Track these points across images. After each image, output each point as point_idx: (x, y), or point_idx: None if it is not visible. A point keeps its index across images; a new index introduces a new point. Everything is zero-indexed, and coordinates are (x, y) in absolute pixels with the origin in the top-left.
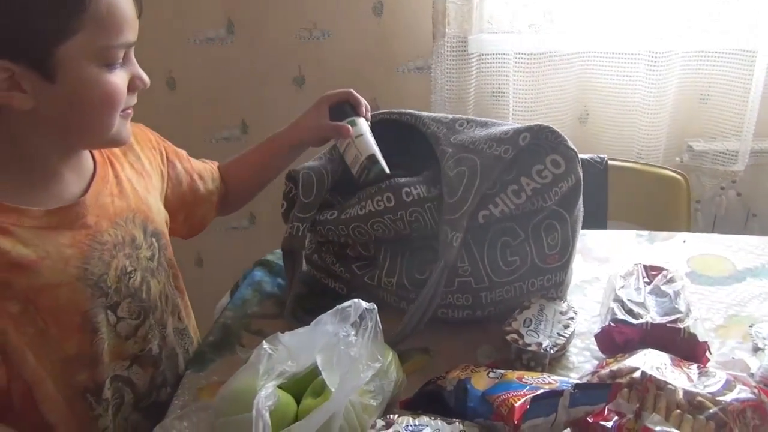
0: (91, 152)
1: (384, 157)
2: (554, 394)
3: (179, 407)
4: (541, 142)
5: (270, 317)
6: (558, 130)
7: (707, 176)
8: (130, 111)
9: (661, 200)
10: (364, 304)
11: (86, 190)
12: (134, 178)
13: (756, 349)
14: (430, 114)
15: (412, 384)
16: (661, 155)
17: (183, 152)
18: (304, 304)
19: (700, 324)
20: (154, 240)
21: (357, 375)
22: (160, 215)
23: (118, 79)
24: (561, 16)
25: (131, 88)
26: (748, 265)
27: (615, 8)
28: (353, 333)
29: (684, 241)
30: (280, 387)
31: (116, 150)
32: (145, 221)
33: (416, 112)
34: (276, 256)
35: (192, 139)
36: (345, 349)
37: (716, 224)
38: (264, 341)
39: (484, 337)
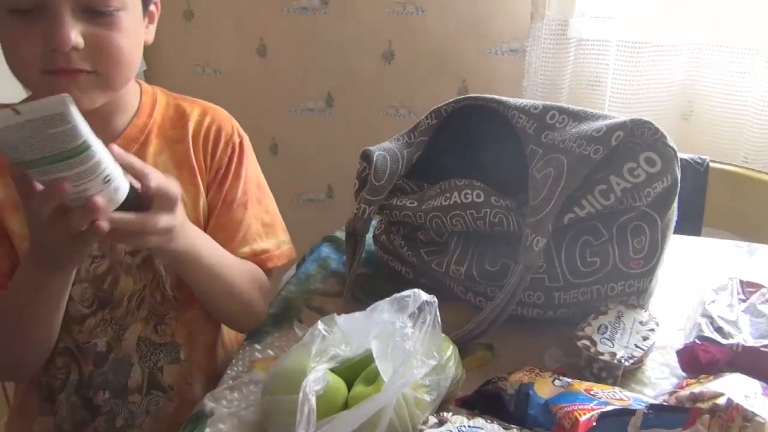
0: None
1: (462, 147)
2: (625, 413)
3: (232, 377)
4: (636, 138)
5: (332, 295)
6: (657, 125)
7: None
8: (68, 71)
9: (766, 210)
10: (424, 295)
11: None
12: (164, 164)
13: None
14: (518, 102)
15: (472, 381)
16: None
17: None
18: (368, 285)
19: None
20: None
21: (410, 370)
22: None
23: (21, 25)
24: (671, 3)
25: (51, 45)
26: None
27: None
28: (410, 324)
29: None
30: (332, 370)
31: (155, 128)
32: None
33: (504, 99)
34: (344, 233)
35: (276, 109)
36: (400, 341)
37: None
38: (319, 321)
39: (553, 340)
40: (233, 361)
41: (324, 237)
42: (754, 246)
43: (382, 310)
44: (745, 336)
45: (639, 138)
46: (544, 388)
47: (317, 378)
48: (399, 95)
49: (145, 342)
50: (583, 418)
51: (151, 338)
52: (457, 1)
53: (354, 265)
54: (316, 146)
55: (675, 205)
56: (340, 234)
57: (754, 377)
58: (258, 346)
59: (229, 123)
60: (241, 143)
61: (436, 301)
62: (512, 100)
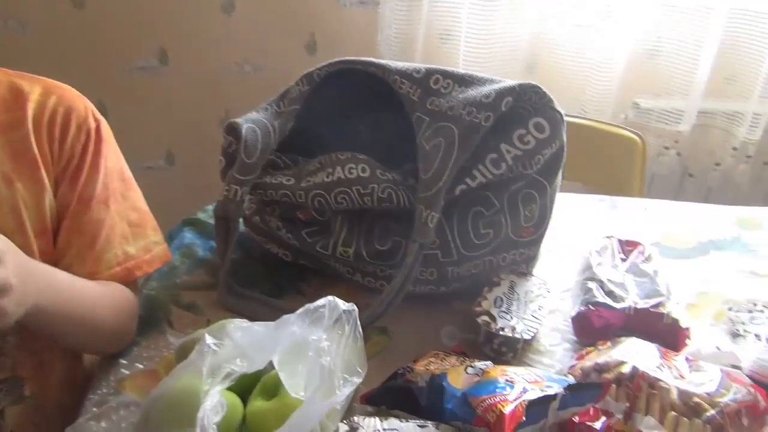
0: None
1: (338, 115)
2: (546, 399)
3: (95, 403)
4: (524, 103)
5: (203, 288)
6: (544, 89)
7: (652, 135)
8: None
9: (615, 160)
10: (341, 304)
11: None
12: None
13: (735, 335)
14: (399, 65)
15: (371, 369)
16: (610, 111)
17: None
18: (242, 273)
19: (681, 308)
20: None
21: (332, 391)
22: None
23: None
24: None
25: None
26: (711, 236)
27: None
28: (325, 337)
29: (645, 209)
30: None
31: None
32: None
33: (383, 62)
34: (208, 215)
35: (101, 68)
36: (315, 356)
37: (653, 183)
38: (206, 334)
39: (447, 316)
40: (94, 382)
41: (183, 220)
42: (615, 200)
43: (292, 323)
44: (633, 298)
45: (527, 103)
46: (458, 378)
47: (214, 405)
48: (242, 50)
49: None
50: (507, 410)
51: None
52: None
53: (228, 253)
54: (150, 108)
55: (561, 170)
56: (203, 215)
57: (645, 338)
58: (123, 361)
59: (82, 104)
60: (97, 128)
61: (356, 309)
62: (392, 64)
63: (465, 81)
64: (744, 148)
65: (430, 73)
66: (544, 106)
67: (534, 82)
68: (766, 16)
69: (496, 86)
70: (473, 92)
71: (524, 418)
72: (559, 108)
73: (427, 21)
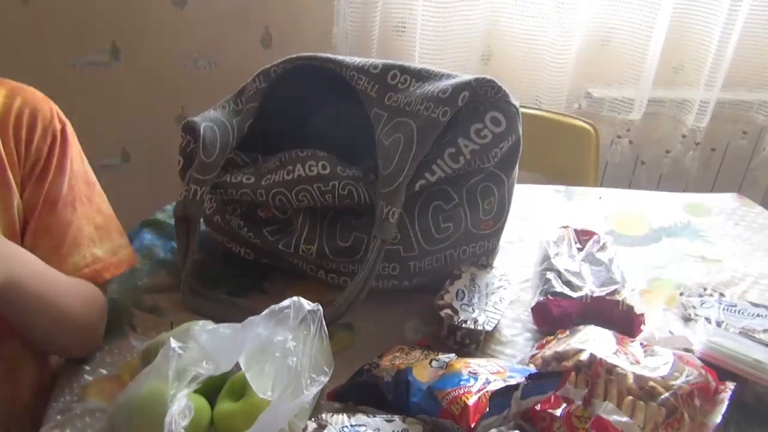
0: None
1: (310, 107)
2: (508, 390)
3: (59, 411)
4: (480, 98)
5: (165, 290)
6: (499, 83)
7: (604, 124)
8: None
9: (569, 150)
10: (306, 304)
11: None
12: None
13: (686, 319)
14: (356, 61)
15: (338, 365)
16: (563, 101)
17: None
18: (204, 273)
19: (636, 295)
20: None
21: (300, 391)
22: None
23: None
24: None
25: None
26: (662, 223)
27: None
28: (291, 338)
29: (600, 198)
30: None
31: None
32: None
33: (340, 58)
34: (167, 215)
35: (50, 63)
36: (281, 357)
37: (606, 171)
38: (171, 338)
39: (412, 311)
40: (55, 390)
41: (142, 221)
42: (571, 189)
43: (258, 324)
44: (590, 286)
45: (483, 97)
46: (423, 372)
47: (182, 409)
48: (196, 45)
49: None
50: (471, 402)
51: None
52: None
53: (189, 254)
54: (103, 105)
55: (518, 162)
56: (162, 216)
57: (603, 326)
58: (87, 367)
59: (47, 106)
60: (63, 130)
61: (321, 309)
62: (349, 60)
63: (422, 76)
64: (692, 135)
65: (387, 68)
66: (500, 100)
67: (489, 77)
68: (710, 6)
69: (452, 81)
70: (430, 87)
71: (488, 409)
72: (514, 101)
73: (383, 13)
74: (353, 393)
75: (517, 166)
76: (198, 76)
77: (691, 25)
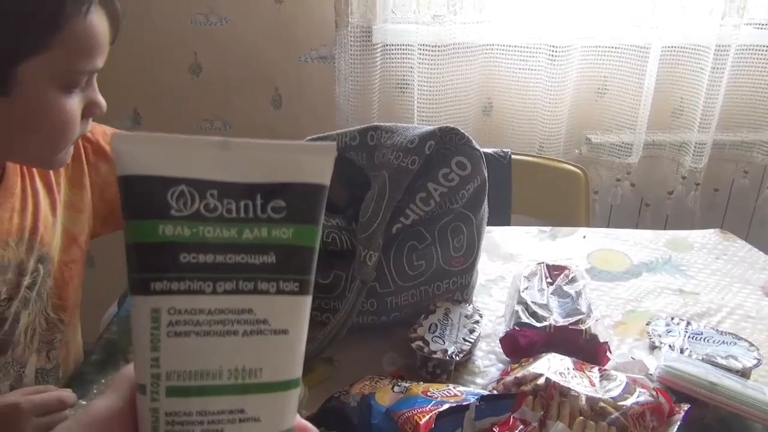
0: None
1: None
2: (460, 409)
3: None
4: (446, 144)
5: None
6: (462, 130)
7: (604, 168)
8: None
9: (562, 194)
10: None
11: None
12: (43, 192)
13: (653, 347)
14: (345, 138)
15: (315, 398)
16: (561, 147)
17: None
18: None
19: (601, 324)
20: (40, 266)
21: None
22: (55, 236)
23: (75, 104)
24: (465, 8)
25: (86, 114)
26: (644, 259)
27: (516, 1)
28: None
29: (584, 237)
30: None
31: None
32: (36, 243)
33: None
34: None
35: None
36: None
37: (612, 214)
38: None
39: (389, 344)
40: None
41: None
42: (556, 230)
43: None
44: (555, 317)
45: (449, 144)
46: (385, 396)
47: None
48: (212, 108)
49: (42, 372)
50: (422, 421)
51: (46, 367)
52: (260, 9)
53: None
54: None
55: (485, 202)
56: None
57: (566, 353)
58: (83, 402)
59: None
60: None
61: None
62: (339, 139)
63: (392, 129)
64: (692, 176)
65: (363, 132)
66: (464, 146)
67: (452, 126)
68: (698, 51)
69: (419, 131)
70: (399, 139)
71: (433, 426)
72: (477, 146)
73: (383, 72)
74: (324, 419)
75: (485, 206)
76: (215, 135)
77: (680, 71)
